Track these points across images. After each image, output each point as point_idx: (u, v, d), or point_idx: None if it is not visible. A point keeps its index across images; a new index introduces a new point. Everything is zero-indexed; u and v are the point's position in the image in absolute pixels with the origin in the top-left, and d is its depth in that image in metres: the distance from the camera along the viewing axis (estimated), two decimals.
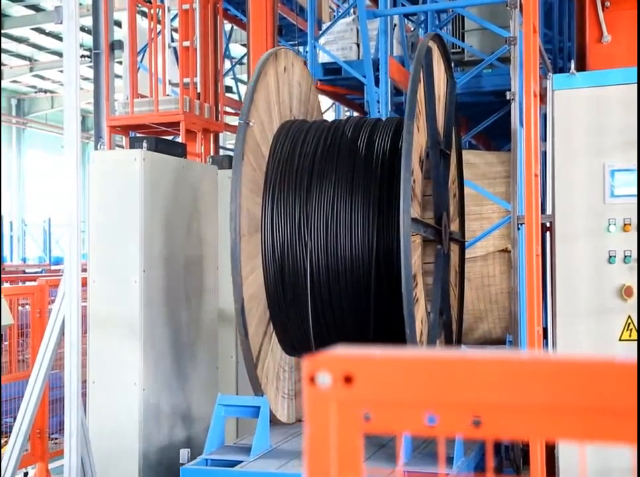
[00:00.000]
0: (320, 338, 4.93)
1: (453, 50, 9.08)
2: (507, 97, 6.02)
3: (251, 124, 4.77)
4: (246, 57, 8.82)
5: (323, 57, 8.35)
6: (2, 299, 4.97)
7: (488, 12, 8.14)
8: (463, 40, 8.82)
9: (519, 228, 5.82)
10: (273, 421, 4.89)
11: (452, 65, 5.82)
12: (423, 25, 9.64)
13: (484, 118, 8.06)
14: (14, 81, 29.85)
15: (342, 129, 5.10)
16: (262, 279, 4.94)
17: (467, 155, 7.35)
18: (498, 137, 9.85)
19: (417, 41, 9.67)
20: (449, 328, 5.38)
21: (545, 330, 5.38)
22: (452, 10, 8.75)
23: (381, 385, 0.95)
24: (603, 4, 5.98)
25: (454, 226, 5.86)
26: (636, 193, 4.84)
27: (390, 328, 4.70)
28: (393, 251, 4.59)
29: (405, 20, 9.63)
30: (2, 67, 27.90)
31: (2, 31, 23.93)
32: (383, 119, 5.50)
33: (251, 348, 4.66)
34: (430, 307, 4.87)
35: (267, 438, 4.58)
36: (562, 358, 0.91)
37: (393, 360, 0.95)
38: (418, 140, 4.62)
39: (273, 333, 5.07)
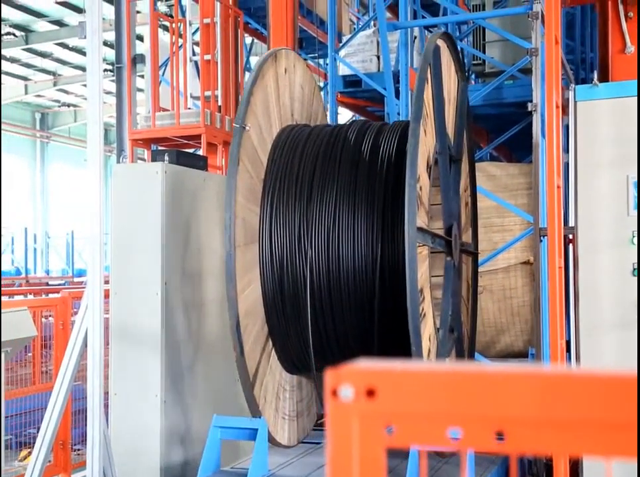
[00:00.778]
0: (321, 355, 4.66)
1: (474, 62, 9.07)
2: (529, 109, 6.00)
3: (247, 128, 4.49)
4: None
5: (344, 70, 8.37)
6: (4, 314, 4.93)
7: (509, 23, 8.12)
8: (484, 52, 8.80)
9: (541, 240, 5.78)
10: (274, 444, 4.70)
11: (464, 66, 5.51)
12: None
13: (505, 129, 8.03)
14: (39, 96, 30.23)
15: (345, 134, 4.82)
16: (259, 293, 4.65)
17: (488, 167, 7.32)
18: (519, 149, 9.81)
19: None
20: (460, 345, 5.10)
21: (568, 343, 5.33)
22: (473, 22, 8.74)
23: (404, 398, 0.94)
24: (626, 15, 5.95)
25: (466, 237, 5.55)
26: None
27: (396, 344, 4.44)
28: (398, 263, 4.31)
29: (426, 32, 9.63)
30: (26, 82, 28.28)
31: (27, 46, 24.28)
32: (390, 123, 5.19)
33: (247, 367, 4.39)
34: (440, 322, 4.59)
35: (266, 462, 4.44)
36: (585, 372, 0.90)
37: (416, 374, 0.95)
38: (425, 145, 4.34)
39: (273, 350, 4.78)
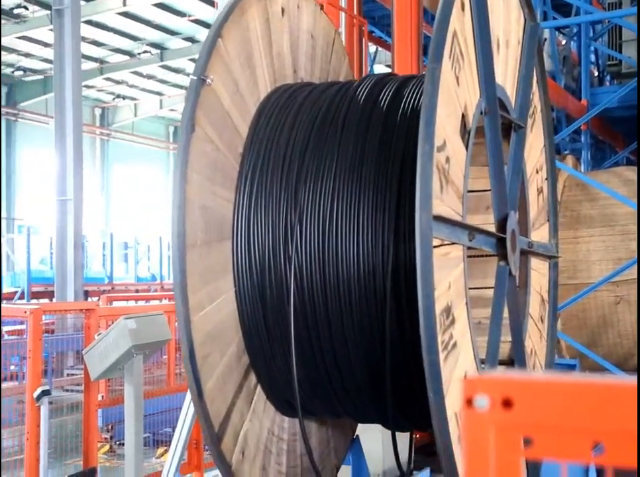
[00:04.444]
0: (316, 390, 3.54)
1: (609, 62, 8.73)
2: None
3: (209, 81, 3.21)
4: None
5: None
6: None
7: None
8: (620, 52, 8.44)
9: None
10: None
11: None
12: (575, 38, 9.32)
13: None
14: (172, 110, 31.66)
15: (354, 92, 3.58)
16: (231, 310, 3.44)
17: (625, 171, 7.05)
18: None
19: (570, 55, 9.34)
20: None
21: None
22: (609, 21, 8.40)
23: (542, 410, 0.92)
24: None
25: (539, 235, 4.19)
26: None
27: (416, 377, 3.09)
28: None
29: (556, 32, 9.35)
30: (161, 97, 29.64)
31: (162, 63, 25.48)
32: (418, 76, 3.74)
33: (210, 412, 3.19)
34: (487, 353, 3.28)
35: None
36: None
37: (555, 385, 0.92)
38: (458, 98, 3.02)
39: (258, 386, 3.56)
